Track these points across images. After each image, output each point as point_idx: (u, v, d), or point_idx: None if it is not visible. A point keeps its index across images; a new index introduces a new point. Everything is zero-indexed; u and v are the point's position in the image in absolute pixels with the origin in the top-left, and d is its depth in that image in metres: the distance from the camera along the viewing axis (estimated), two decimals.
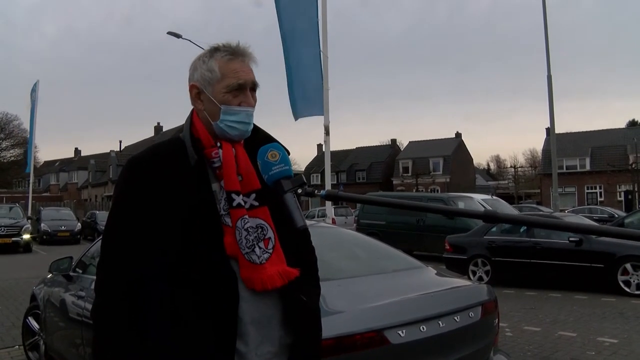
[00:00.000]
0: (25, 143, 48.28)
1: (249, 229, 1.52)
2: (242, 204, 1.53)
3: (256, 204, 1.56)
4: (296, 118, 8.58)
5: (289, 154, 1.54)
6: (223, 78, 1.56)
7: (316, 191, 1.49)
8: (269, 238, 1.55)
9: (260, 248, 1.53)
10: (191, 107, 1.65)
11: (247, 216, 1.53)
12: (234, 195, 1.53)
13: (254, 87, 1.61)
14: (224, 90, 1.56)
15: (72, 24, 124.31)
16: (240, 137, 1.59)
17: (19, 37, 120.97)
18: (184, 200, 1.50)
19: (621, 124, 69.12)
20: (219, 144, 1.57)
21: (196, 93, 1.60)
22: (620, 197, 40.09)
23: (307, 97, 8.59)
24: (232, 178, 1.54)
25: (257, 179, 1.56)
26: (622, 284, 8.69)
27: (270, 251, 1.54)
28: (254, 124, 1.63)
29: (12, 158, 56.65)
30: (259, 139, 1.62)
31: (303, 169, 62.49)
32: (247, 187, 1.56)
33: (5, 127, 54.93)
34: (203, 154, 1.57)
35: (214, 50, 1.60)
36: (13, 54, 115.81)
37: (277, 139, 1.66)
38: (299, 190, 1.45)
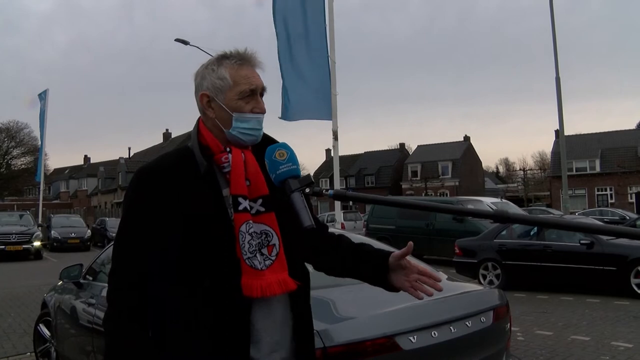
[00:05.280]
0: (35, 151, 48.73)
1: (252, 233, 1.51)
2: (248, 208, 1.52)
3: (262, 209, 1.54)
4: (291, 119, 8.50)
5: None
6: (235, 85, 1.56)
7: (324, 191, 1.47)
8: (274, 245, 1.54)
9: (262, 254, 1.52)
10: (199, 115, 1.65)
11: (251, 221, 1.52)
12: (240, 199, 1.52)
13: (262, 92, 1.62)
14: (237, 97, 1.56)
15: (83, 34, 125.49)
16: (252, 143, 1.60)
17: (31, 48, 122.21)
18: (195, 207, 1.50)
19: (631, 124, 68.72)
20: (228, 149, 1.57)
21: (207, 102, 1.59)
22: (631, 198, 39.70)
23: (311, 101, 8.54)
24: (240, 182, 1.53)
25: (265, 185, 1.55)
26: (635, 287, 8.57)
27: (273, 258, 1.53)
28: None
29: (23, 166, 57.10)
30: (266, 143, 1.61)
31: (312, 174, 62.38)
32: (255, 192, 1.55)
33: (16, 135, 55.43)
34: (213, 160, 1.56)
35: (223, 58, 1.60)
36: (25, 64, 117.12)
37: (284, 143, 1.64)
38: (307, 190, 1.44)
